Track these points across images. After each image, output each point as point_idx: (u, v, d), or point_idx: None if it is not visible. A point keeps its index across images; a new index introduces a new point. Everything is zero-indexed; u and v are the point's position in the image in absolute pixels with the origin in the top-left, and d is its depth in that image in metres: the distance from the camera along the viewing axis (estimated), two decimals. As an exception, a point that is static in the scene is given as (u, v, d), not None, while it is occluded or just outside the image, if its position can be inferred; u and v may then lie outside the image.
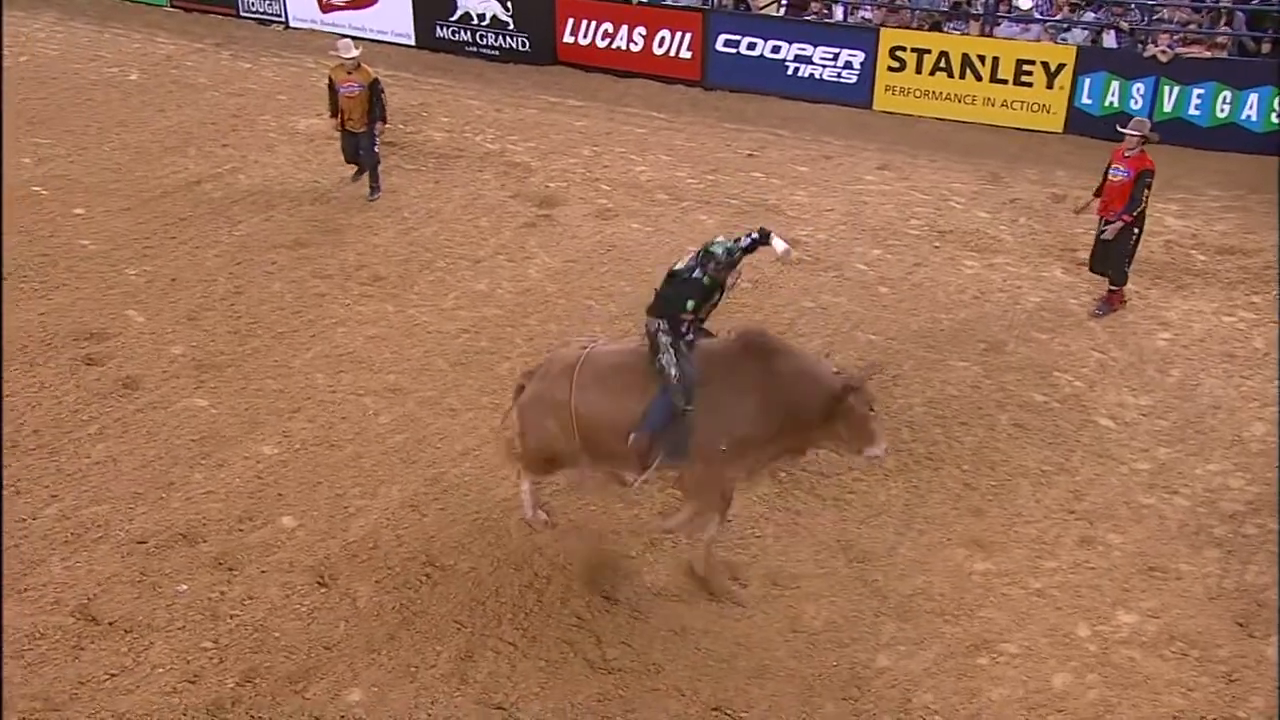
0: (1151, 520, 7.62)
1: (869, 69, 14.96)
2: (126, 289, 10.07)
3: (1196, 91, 13.24)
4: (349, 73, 11.77)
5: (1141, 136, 9.60)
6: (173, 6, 19.05)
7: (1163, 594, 6.98)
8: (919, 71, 14.71)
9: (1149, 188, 9.58)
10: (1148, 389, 9.06)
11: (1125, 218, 9.66)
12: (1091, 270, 10.23)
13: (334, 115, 11.97)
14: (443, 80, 16.19)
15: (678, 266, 6.91)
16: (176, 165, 12.73)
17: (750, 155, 13.76)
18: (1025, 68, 14.11)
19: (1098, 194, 9.95)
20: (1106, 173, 9.84)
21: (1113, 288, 10.07)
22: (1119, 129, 9.80)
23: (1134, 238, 9.81)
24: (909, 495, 7.92)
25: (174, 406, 8.47)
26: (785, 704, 6.29)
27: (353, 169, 12.41)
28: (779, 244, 7.05)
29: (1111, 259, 9.92)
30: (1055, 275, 10.91)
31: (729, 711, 6.24)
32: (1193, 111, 13.30)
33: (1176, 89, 13.32)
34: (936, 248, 11.49)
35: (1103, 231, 9.87)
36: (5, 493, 7.42)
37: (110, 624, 6.48)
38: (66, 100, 14.50)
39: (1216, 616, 6.77)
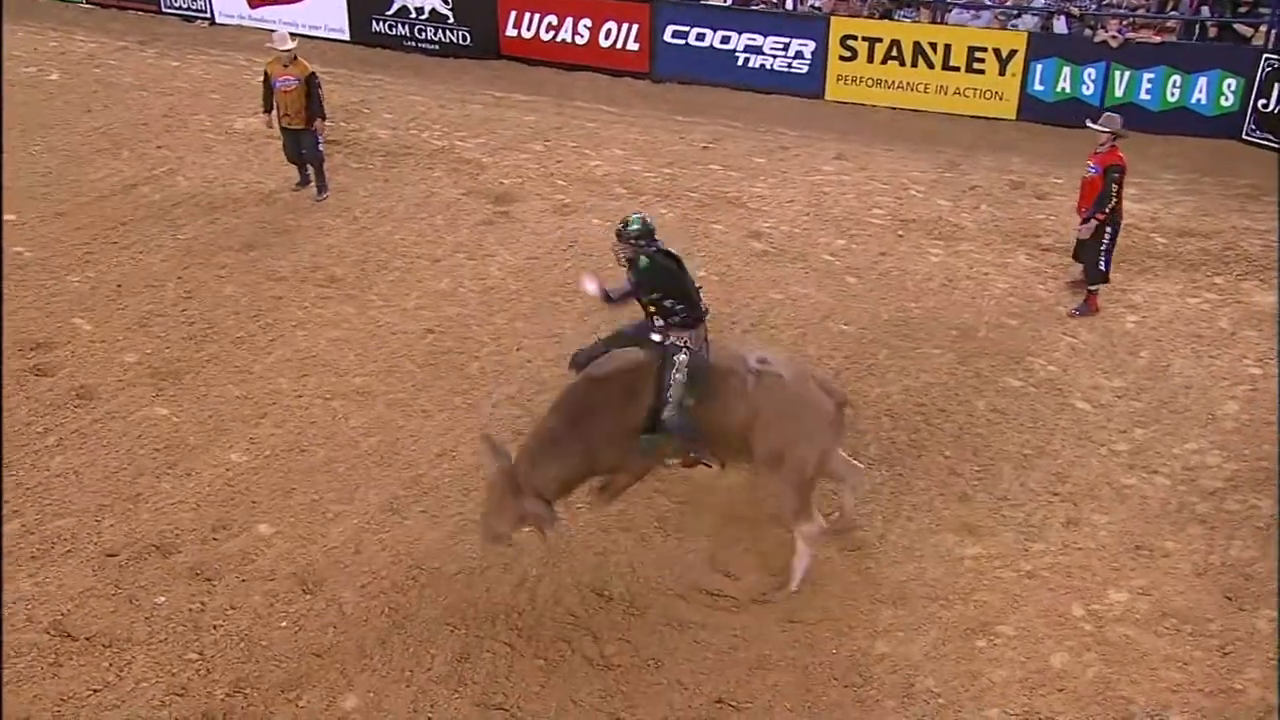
0: (1134, 500, 7.93)
1: (820, 58, 15.27)
2: (70, 296, 9.93)
3: (1147, 76, 13.75)
4: (285, 66, 11.68)
5: (1111, 133, 9.80)
6: (89, 3, 18.74)
7: (1151, 572, 7.28)
8: (871, 60, 15.05)
9: (1118, 184, 9.77)
10: (1120, 371, 9.42)
11: (1097, 215, 9.89)
12: (1094, 280, 10.20)
13: (268, 110, 11.85)
14: (382, 76, 16.16)
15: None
16: (109, 168, 12.56)
17: (706, 148, 13.97)
18: (977, 55, 14.52)
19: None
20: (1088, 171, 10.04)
21: (1090, 288, 10.20)
22: (1089, 125, 10.06)
23: (1107, 236, 9.96)
24: (895, 483, 8.15)
25: (133, 416, 8.39)
26: (788, 694, 6.45)
27: (296, 173, 12.29)
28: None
29: (1086, 258, 10.16)
30: (1020, 261, 11.27)
31: (732, 703, 6.39)
32: (1144, 96, 13.81)
33: (1128, 74, 13.82)
34: (900, 236, 11.79)
35: (1105, 235, 9.96)
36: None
37: (88, 639, 6.43)
38: (-16, 102, 14.21)
39: (1205, 591, 7.09)
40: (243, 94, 14.82)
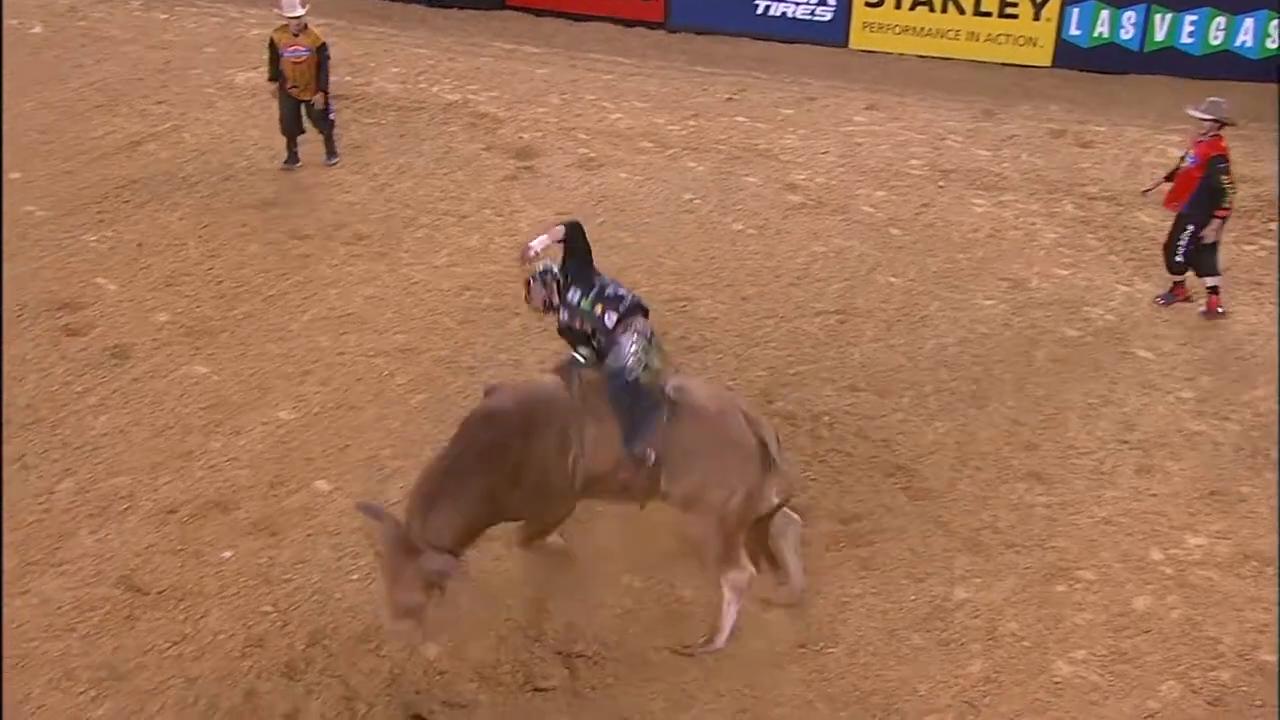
0: (1206, 446, 8.31)
1: (845, 6, 15.50)
2: (89, 256, 10.14)
3: (1189, 18, 14.05)
4: (295, 35, 11.45)
5: (1215, 120, 9.46)
6: (64, -47, 18.67)
7: (1229, 516, 7.65)
8: (899, 6, 15.30)
9: (1225, 174, 9.39)
10: (1180, 320, 9.78)
11: (1218, 213, 9.43)
12: (1169, 268, 9.89)
13: (273, 80, 11.61)
14: (384, 28, 16.27)
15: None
16: (110, 125, 12.70)
17: (730, 99, 14.22)
18: None
19: (1168, 178, 9.90)
20: (1182, 159, 9.80)
21: (1211, 286, 9.79)
22: (1190, 112, 9.75)
23: (1190, 231, 9.58)
24: (958, 434, 8.49)
25: (173, 375, 8.65)
26: (870, 637, 6.80)
27: (285, 148, 11.95)
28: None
29: (1202, 252, 9.65)
30: (1068, 210, 11.61)
31: (814, 647, 6.72)
32: (1185, 40, 14.13)
33: (1169, 16, 14.13)
34: (941, 187, 12.10)
35: (1186, 230, 9.60)
36: (13, 468, 7.54)
37: (159, 593, 6.74)
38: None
39: (1285, 534, 7.47)
40: (239, 47, 14.95)
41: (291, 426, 8.17)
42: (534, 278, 6.73)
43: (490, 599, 6.82)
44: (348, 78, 14.24)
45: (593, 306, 6.62)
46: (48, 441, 7.87)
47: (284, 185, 11.66)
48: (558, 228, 6.75)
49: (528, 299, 6.83)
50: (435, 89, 14.30)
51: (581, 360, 6.68)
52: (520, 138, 13.01)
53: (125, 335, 9.07)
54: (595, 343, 6.65)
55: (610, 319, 6.57)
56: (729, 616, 6.62)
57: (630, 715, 6.26)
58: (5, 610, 6.57)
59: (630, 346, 6.49)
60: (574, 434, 6.41)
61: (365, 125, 13.16)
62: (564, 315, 6.72)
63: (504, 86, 14.37)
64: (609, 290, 6.67)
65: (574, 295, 6.66)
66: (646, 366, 6.51)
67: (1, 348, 8.37)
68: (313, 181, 11.81)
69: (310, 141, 12.06)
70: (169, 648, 6.39)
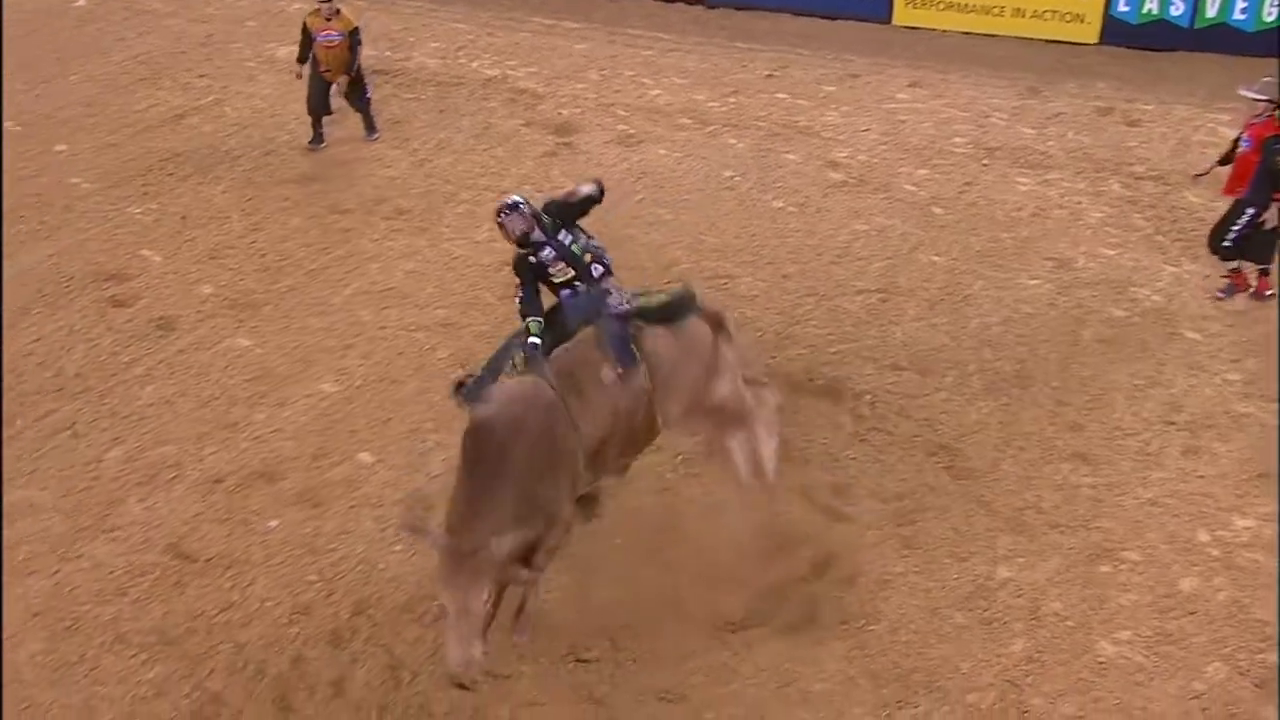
0: (1253, 428, 8.25)
1: (888, -19, 15.41)
2: (134, 228, 10.29)
3: (1242, -6, 13.87)
4: (327, 19, 11.47)
5: (1271, 100, 9.25)
6: (105, -73, 18.85)
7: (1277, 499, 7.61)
8: (943, -17, 15.20)
9: None
10: (1228, 302, 9.68)
11: (1278, 195, 9.11)
12: (1213, 251, 9.65)
13: (301, 62, 11.61)
14: (423, 3, 16.28)
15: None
16: (153, 98, 12.83)
17: (770, 76, 14.17)
18: (1058, -25, 14.67)
19: (1222, 161, 9.75)
20: (1236, 142, 9.63)
21: (1262, 267, 9.58)
22: (1243, 92, 9.58)
23: (1248, 215, 9.32)
24: (1002, 413, 8.48)
25: (217, 347, 8.79)
26: (912, 615, 6.83)
27: (311, 128, 11.92)
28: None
29: (1260, 237, 9.37)
30: (1114, 190, 11.52)
31: (856, 624, 6.75)
32: (1238, 16, 13.95)
33: (1221, -7, 13.95)
34: (985, 165, 12.03)
35: (1244, 214, 9.32)
36: (63, 435, 7.71)
37: (207, 561, 6.88)
38: (12, 30, 14.44)
39: (1336, 517, 7.42)
40: (280, 21, 15.03)
41: (334, 399, 8.28)
42: (508, 209, 6.73)
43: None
44: (387, 52, 14.32)
45: (582, 254, 6.81)
46: (97, 410, 8.03)
47: (325, 160, 11.75)
48: (590, 185, 6.97)
49: (505, 231, 6.77)
50: (475, 64, 14.34)
51: (536, 345, 6.59)
52: (559, 114, 13.03)
53: (170, 307, 9.21)
54: (573, 287, 6.81)
55: (597, 270, 6.81)
56: (770, 444, 7.11)
57: (671, 688, 6.33)
58: (59, 573, 6.72)
59: (617, 290, 6.76)
60: (570, 417, 6.39)
61: (405, 100, 13.22)
62: (548, 253, 6.75)
63: (543, 62, 14.39)
64: (595, 244, 6.90)
65: (566, 238, 6.80)
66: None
67: (1, 347, 8.48)
68: (353, 156, 11.89)
69: (340, 122, 12.11)
70: (217, 614, 6.53)
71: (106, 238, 10.11)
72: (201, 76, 13.51)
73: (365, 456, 7.77)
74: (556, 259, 6.76)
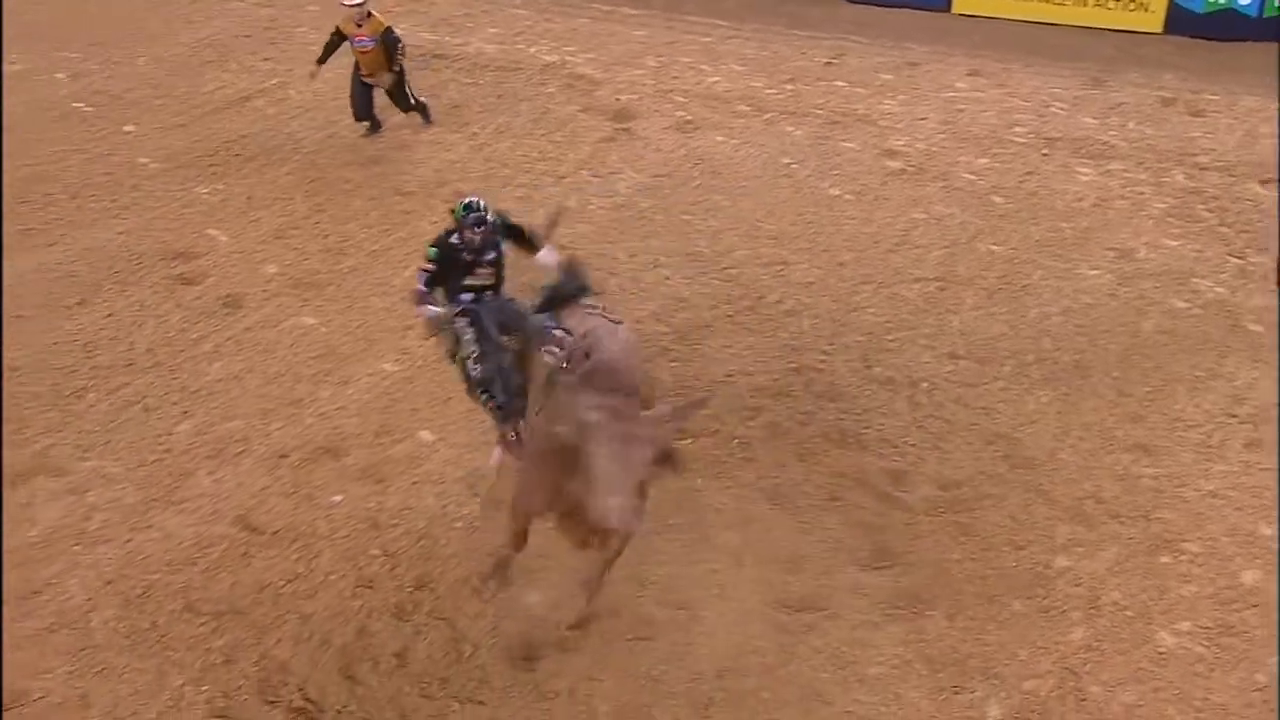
0: (1318, 421, 8.16)
1: (948, -30, 15.32)
2: (201, 208, 10.46)
3: (1313, -15, 13.65)
4: (358, 25, 11.43)
5: None
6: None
7: (1341, 492, 7.53)
8: (1004, -29, 15.08)
9: None
10: (1293, 294, 9.57)
11: None
12: None
13: (320, 64, 11.59)
14: (483, -13, 16.42)
15: None
16: (220, 80, 13.03)
17: (828, 63, 14.13)
18: (1121, -37, 14.51)
19: None
20: None
21: None
22: None
23: None
24: (1060, 403, 8.44)
25: (283, 325, 8.92)
26: (969, 602, 6.83)
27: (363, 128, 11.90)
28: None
29: None
30: (1177, 180, 11.40)
31: (913, 609, 6.77)
32: (1309, 7, 13.73)
33: (1291, -17, 13.73)
34: (1046, 155, 11.94)
35: None
36: (135, 409, 7.89)
37: (273, 534, 7.01)
38: (83, 12, 14.72)
39: (1402, 513, 7.33)
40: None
41: (396, 378, 8.39)
42: (481, 225, 6.80)
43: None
44: (446, 37, 14.45)
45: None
46: (167, 385, 8.20)
47: (386, 143, 11.87)
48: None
49: (465, 240, 6.82)
50: (533, 50, 14.41)
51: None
52: (617, 99, 13.07)
53: (237, 285, 9.37)
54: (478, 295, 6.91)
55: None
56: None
57: (729, 668, 6.37)
58: (130, 542, 6.89)
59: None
60: None
61: (464, 85, 13.31)
62: (490, 256, 6.91)
63: (601, 48, 14.44)
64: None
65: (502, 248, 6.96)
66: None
67: (1, 348, 8.56)
68: (413, 140, 12.00)
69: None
70: (284, 585, 6.66)
71: (174, 217, 10.29)
72: (266, 60, 13.68)
73: (426, 434, 7.87)
74: (490, 265, 6.89)
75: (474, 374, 6.83)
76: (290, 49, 14.06)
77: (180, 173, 11.01)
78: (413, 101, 11.93)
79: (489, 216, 6.87)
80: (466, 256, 6.87)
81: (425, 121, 12.20)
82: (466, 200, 6.93)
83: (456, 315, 6.85)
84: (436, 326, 7.00)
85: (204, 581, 6.65)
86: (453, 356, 7.06)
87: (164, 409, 7.97)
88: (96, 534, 6.99)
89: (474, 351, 6.77)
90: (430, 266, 6.88)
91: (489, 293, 6.97)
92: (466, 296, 6.92)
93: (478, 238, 6.82)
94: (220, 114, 12.24)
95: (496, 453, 7.28)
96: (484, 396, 6.89)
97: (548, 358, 6.48)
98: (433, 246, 6.92)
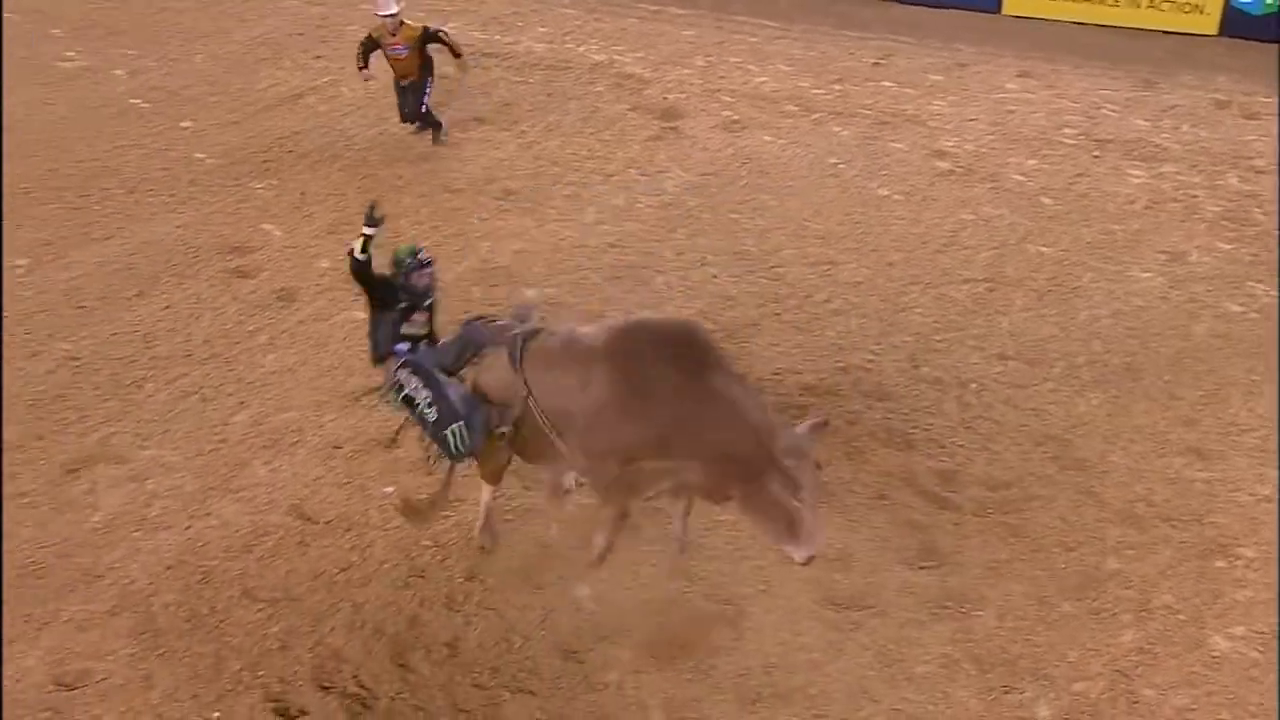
0: (1374, 428, 8.06)
1: (998, -29, 15.25)
2: (257, 203, 10.63)
3: (1370, -13, 13.47)
4: (392, 33, 11.47)
5: None
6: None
7: (1398, 499, 7.44)
8: (1055, -27, 15.00)
9: None
10: (1349, 298, 9.46)
11: None
12: None
13: (363, 66, 11.63)
14: (531, -13, 16.52)
15: None
16: (273, 78, 13.22)
17: (876, 64, 14.12)
18: (1175, -36, 14.39)
19: None
20: None
21: None
22: None
23: None
24: (1111, 405, 8.39)
25: (335, 319, 9.04)
26: (1018, 602, 6.81)
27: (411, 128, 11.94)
28: None
29: None
30: (1231, 184, 11.29)
31: (961, 609, 6.76)
32: (1366, 10, 13.56)
33: (1348, -15, 13.56)
34: (1096, 157, 11.86)
35: None
36: (192, 399, 8.02)
37: (327, 523, 7.12)
38: (141, 10, 14.98)
39: None
40: (394, 5, 15.33)
41: (447, 372, 8.45)
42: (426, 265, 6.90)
43: (638, 550, 7.01)
44: (496, 36, 14.57)
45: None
46: (224, 376, 8.35)
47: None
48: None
49: (415, 281, 6.89)
50: (582, 49, 14.50)
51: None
52: (665, 99, 13.12)
53: (291, 279, 9.51)
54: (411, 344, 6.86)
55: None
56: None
57: (776, 663, 6.40)
58: (190, 529, 7.03)
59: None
60: None
61: (513, 83, 13.42)
62: (428, 303, 6.95)
63: (650, 47, 14.50)
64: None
65: None
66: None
67: (1, 347, 8.67)
68: (463, 137, 12.12)
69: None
70: (338, 573, 6.77)
71: (230, 211, 10.46)
72: (318, 58, 13.87)
73: (476, 427, 7.93)
74: (427, 311, 6.91)
75: (432, 417, 6.54)
76: (342, 47, 14.19)
77: (235, 168, 11.19)
78: (423, 112, 11.75)
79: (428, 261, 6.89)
80: (405, 301, 6.84)
81: (435, 141, 11.92)
82: (412, 246, 6.98)
83: (398, 369, 6.69)
84: (389, 384, 6.77)
85: (260, 569, 6.77)
86: (410, 406, 6.69)
87: (220, 399, 8.11)
88: (157, 520, 7.14)
89: (426, 396, 6.56)
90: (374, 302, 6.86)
91: (424, 342, 6.90)
92: (402, 347, 6.83)
93: (424, 281, 6.87)
94: (274, 111, 12.42)
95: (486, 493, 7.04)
96: (453, 429, 6.50)
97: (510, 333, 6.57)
98: (381, 286, 6.87)
